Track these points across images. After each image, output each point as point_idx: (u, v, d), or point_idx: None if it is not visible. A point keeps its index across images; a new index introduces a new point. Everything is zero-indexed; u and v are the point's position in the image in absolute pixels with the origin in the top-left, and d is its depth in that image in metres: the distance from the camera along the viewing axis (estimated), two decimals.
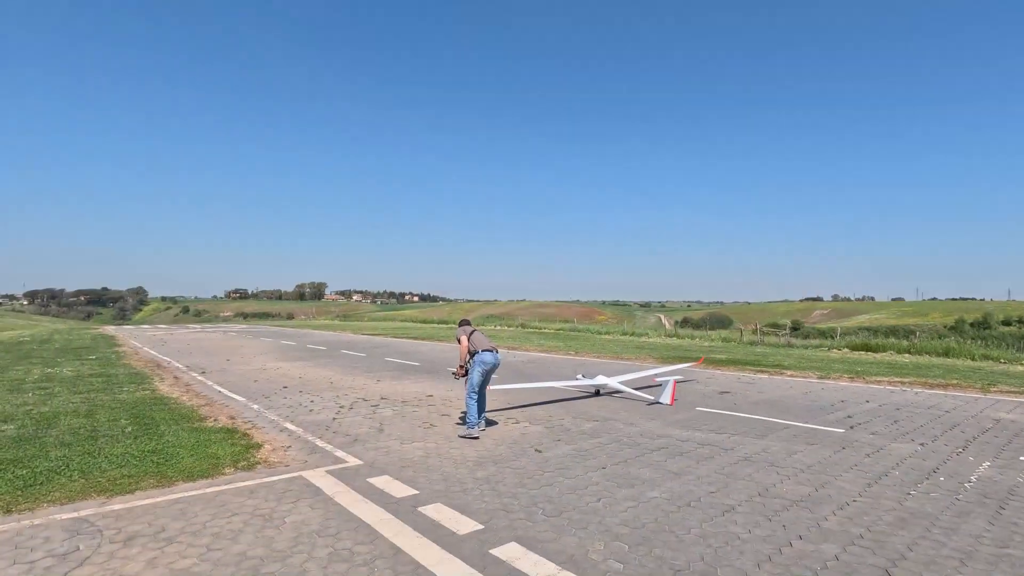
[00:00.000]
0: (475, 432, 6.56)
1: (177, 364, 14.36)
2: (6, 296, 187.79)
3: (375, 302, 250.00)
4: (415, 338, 25.91)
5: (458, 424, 7.21)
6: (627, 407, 8.43)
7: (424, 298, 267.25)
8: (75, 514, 4.01)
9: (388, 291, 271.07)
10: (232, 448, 5.72)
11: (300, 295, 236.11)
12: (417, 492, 4.61)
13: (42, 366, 12.82)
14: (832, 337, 22.30)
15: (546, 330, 34.78)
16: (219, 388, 10.28)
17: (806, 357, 16.02)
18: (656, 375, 11.04)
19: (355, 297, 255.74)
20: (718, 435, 6.68)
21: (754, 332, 24.59)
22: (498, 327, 39.51)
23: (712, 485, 4.82)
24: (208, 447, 5.73)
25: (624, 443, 6.28)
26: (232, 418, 7.44)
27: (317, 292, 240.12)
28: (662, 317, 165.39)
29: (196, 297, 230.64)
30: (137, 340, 24.55)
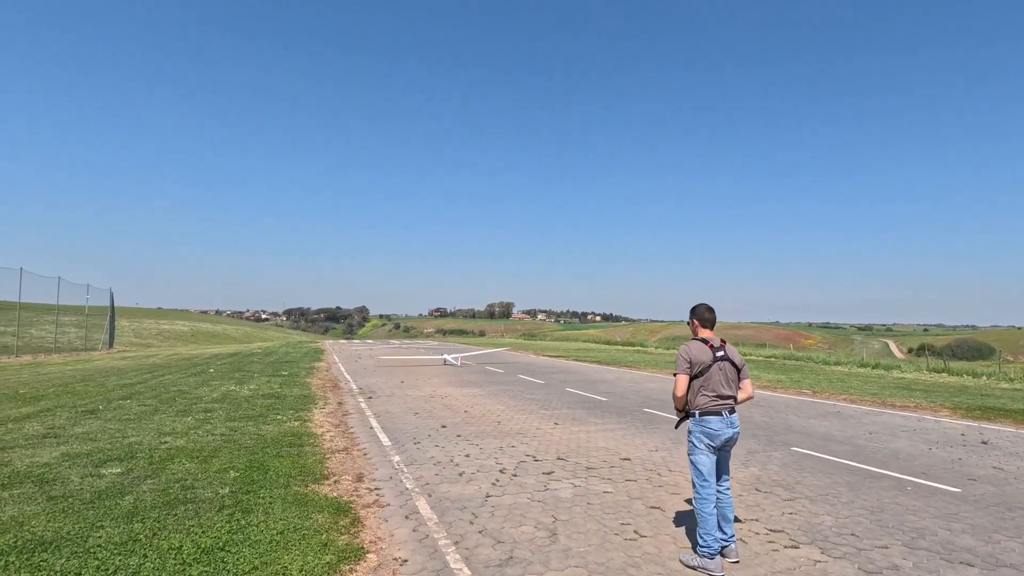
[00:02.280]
0: (714, 568, 3.45)
1: (353, 385, 13.62)
2: (272, 313, 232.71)
3: (558, 321, 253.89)
4: (598, 362, 23.05)
5: (682, 547, 4.10)
6: None
7: (606, 318, 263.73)
8: None
9: (571, 310, 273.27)
10: (317, 557, 3.51)
11: (490, 314, 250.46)
12: None
13: (236, 383, 12.90)
14: None
15: (754, 357, 29.19)
16: (372, 422, 8.64)
17: None
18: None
19: (539, 316, 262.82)
20: None
21: None
22: None
23: None
24: (288, 549, 3.60)
25: None
26: (358, 479, 5.41)
27: (505, 311, 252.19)
28: (891, 344, 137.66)
29: (406, 315, 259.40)
30: (338, 355, 25.92)
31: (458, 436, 7.65)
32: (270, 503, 4.50)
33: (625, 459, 6.50)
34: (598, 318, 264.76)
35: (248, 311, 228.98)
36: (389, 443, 7.14)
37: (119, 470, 5.32)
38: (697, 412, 3.66)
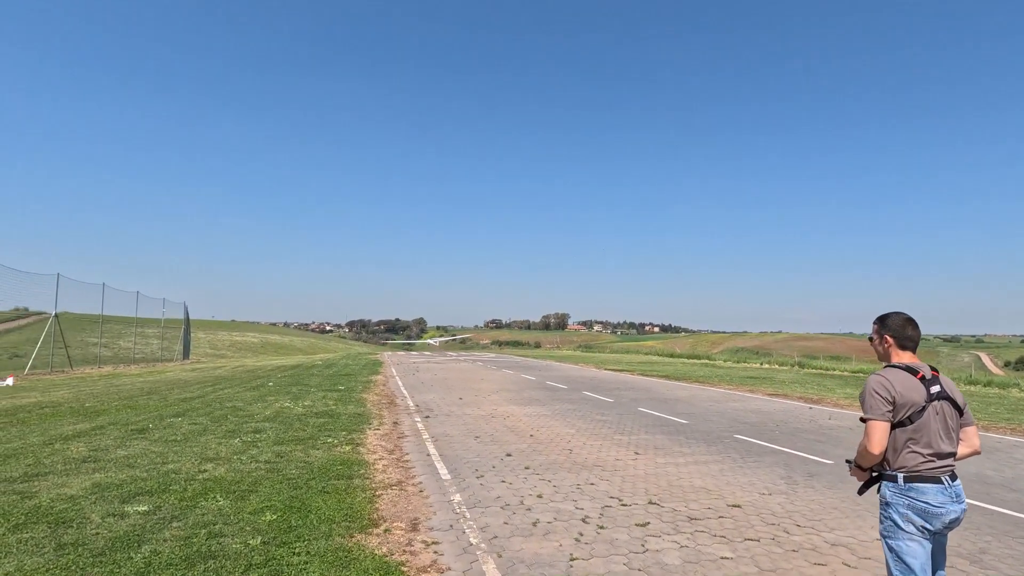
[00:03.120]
0: None
1: (409, 402, 12.88)
2: (336, 324, 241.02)
3: (615, 332, 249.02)
4: (666, 376, 21.45)
5: None
6: None
7: (665, 329, 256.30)
8: None
9: (627, 321, 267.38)
10: None
11: (545, 325, 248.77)
12: None
13: (291, 398, 12.44)
14: None
15: (837, 371, 26.58)
16: (430, 447, 7.75)
17: None
18: None
19: (595, 327, 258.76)
20: None
21: None
22: (765, 365, 32.21)
23: None
24: None
25: None
26: (413, 527, 4.48)
27: (560, 322, 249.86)
28: (983, 356, 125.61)
29: (462, 326, 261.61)
30: (396, 367, 25.55)
31: (526, 468, 6.62)
32: (306, 562, 3.63)
33: (734, 506, 5.26)
34: (656, 329, 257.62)
35: (313, 323, 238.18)
36: (448, 476, 6.20)
37: (146, 507, 4.64)
38: (901, 476, 2.43)
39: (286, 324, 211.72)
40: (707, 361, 36.56)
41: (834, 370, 27.89)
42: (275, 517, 4.48)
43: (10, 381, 17.34)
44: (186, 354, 38.90)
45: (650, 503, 5.30)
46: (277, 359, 40.91)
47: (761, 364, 33.13)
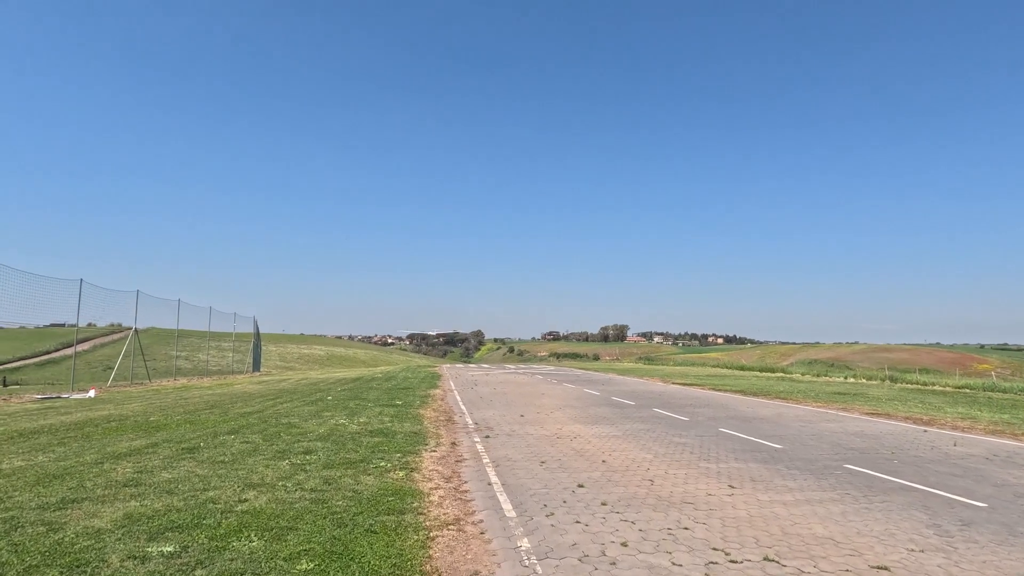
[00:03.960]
0: None
1: (468, 419, 12.14)
2: (396, 337, 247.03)
3: (676, 344, 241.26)
4: (741, 391, 19.72)
5: None
6: None
7: (729, 340, 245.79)
8: None
9: (689, 332, 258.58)
10: None
11: (604, 337, 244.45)
12: None
13: (348, 414, 11.99)
14: None
15: (937, 387, 23.76)
16: (491, 474, 6.91)
17: None
18: None
19: (656, 339, 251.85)
20: None
21: None
22: (850, 379, 29.43)
23: None
24: None
25: None
26: None
27: (620, 334, 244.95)
28: None
29: (519, 339, 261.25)
30: (455, 380, 25.07)
31: (603, 504, 5.65)
32: None
33: (880, 568, 4.08)
34: (720, 340, 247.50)
35: (376, 336, 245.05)
36: (513, 513, 5.32)
37: (172, 548, 4.04)
38: None
39: (350, 337, 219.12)
40: (782, 374, 33.99)
41: (933, 385, 24.99)
42: (312, 566, 3.76)
43: (92, 393, 18.05)
44: (256, 366, 40.24)
45: (766, 559, 4.21)
46: (340, 371, 41.62)
47: (845, 378, 30.34)
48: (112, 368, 26.31)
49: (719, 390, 20.74)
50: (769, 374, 34.49)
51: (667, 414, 13.28)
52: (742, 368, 41.80)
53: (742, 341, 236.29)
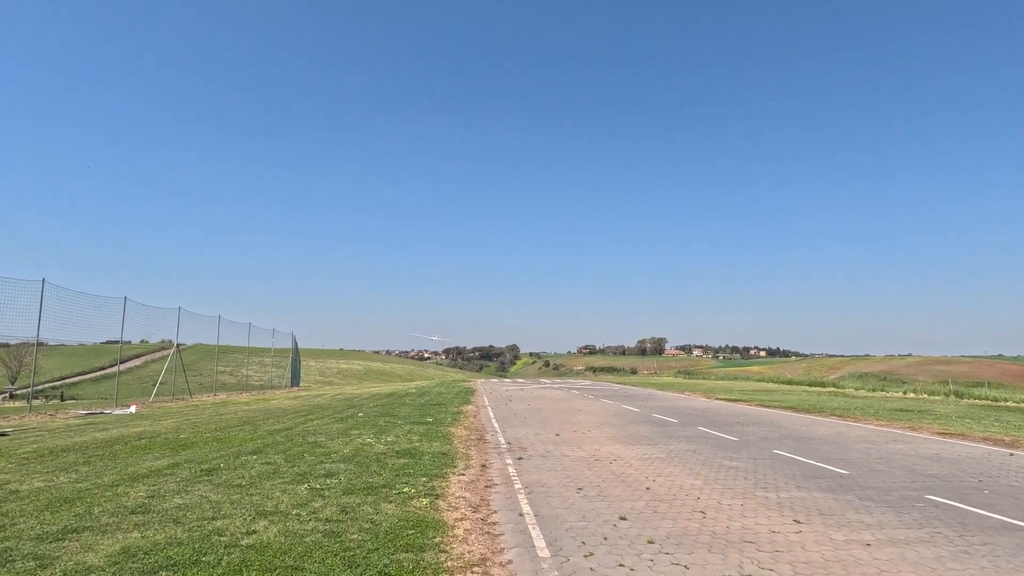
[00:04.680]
0: None
1: (500, 437, 11.52)
2: (433, 352, 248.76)
3: (716, 357, 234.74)
4: (791, 408, 18.42)
5: None
6: None
7: (772, 352, 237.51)
8: None
9: (730, 345, 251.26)
10: None
11: (641, 350, 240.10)
12: None
13: (376, 432, 11.56)
14: None
15: (1010, 404, 21.77)
16: (523, 503, 6.27)
17: None
18: None
19: (695, 352, 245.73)
20: None
21: None
22: (910, 394, 27.43)
23: None
24: None
25: None
26: None
27: (657, 347, 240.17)
28: None
29: (555, 352, 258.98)
30: (488, 396, 24.50)
31: (649, 542, 4.93)
32: None
33: None
34: (762, 353, 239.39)
35: (412, 351, 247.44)
36: (547, 552, 4.68)
37: None
38: None
39: (388, 352, 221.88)
40: (835, 389, 32.03)
41: (1006, 401, 22.92)
42: None
43: (133, 408, 18.28)
44: (295, 381, 40.69)
45: None
46: (375, 386, 41.66)
47: (904, 393, 28.31)
48: (164, 383, 26.88)
49: (767, 406, 19.48)
50: (819, 389, 32.57)
51: (714, 433, 12.34)
52: (789, 382, 39.78)
53: (785, 354, 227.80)
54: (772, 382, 41.95)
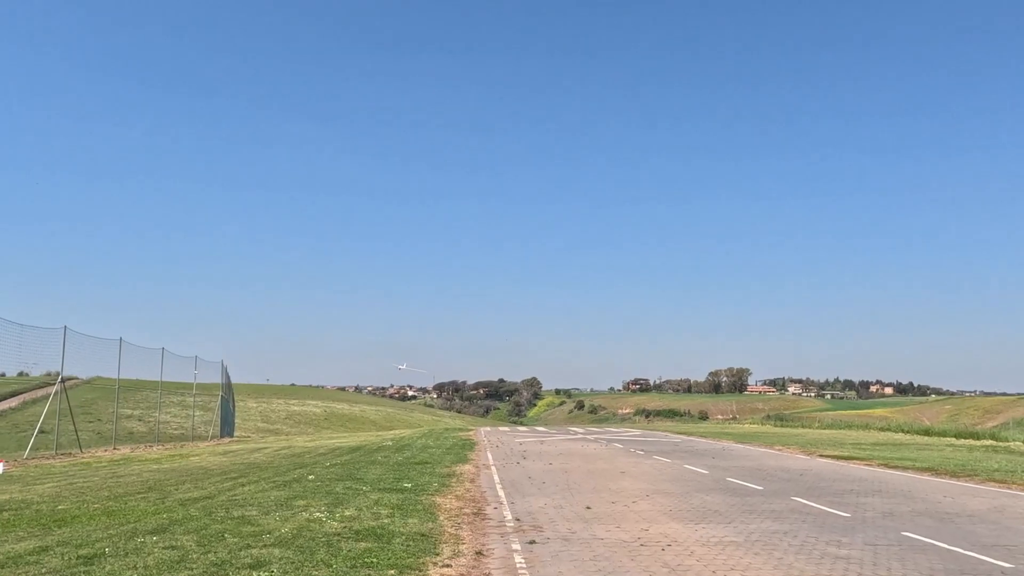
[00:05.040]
0: None
1: (506, 511, 11.42)
2: (421, 389, 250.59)
3: (822, 396, 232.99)
4: (930, 470, 18.06)
5: None
6: None
7: (902, 390, 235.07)
8: None
9: (841, 379, 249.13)
10: None
11: (714, 386, 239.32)
12: None
13: (330, 504, 11.51)
14: None
15: None
16: None
17: None
18: None
19: (791, 388, 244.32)
20: None
21: None
22: None
23: None
24: None
25: None
26: None
27: (737, 382, 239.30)
28: None
29: (592, 390, 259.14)
30: (494, 451, 24.56)
31: None
32: None
33: None
34: (888, 390, 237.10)
35: (392, 387, 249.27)
36: None
37: None
38: None
39: (358, 388, 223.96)
40: (992, 442, 31.50)
41: None
42: None
43: (0, 468, 18.47)
44: (226, 429, 41.02)
45: None
46: (338, 437, 41.87)
47: None
48: (47, 432, 27.11)
49: (894, 467, 19.25)
50: (972, 442, 32.05)
51: (816, 506, 12.12)
52: (927, 432, 39.24)
53: (922, 391, 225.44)
54: (902, 431, 41.50)
